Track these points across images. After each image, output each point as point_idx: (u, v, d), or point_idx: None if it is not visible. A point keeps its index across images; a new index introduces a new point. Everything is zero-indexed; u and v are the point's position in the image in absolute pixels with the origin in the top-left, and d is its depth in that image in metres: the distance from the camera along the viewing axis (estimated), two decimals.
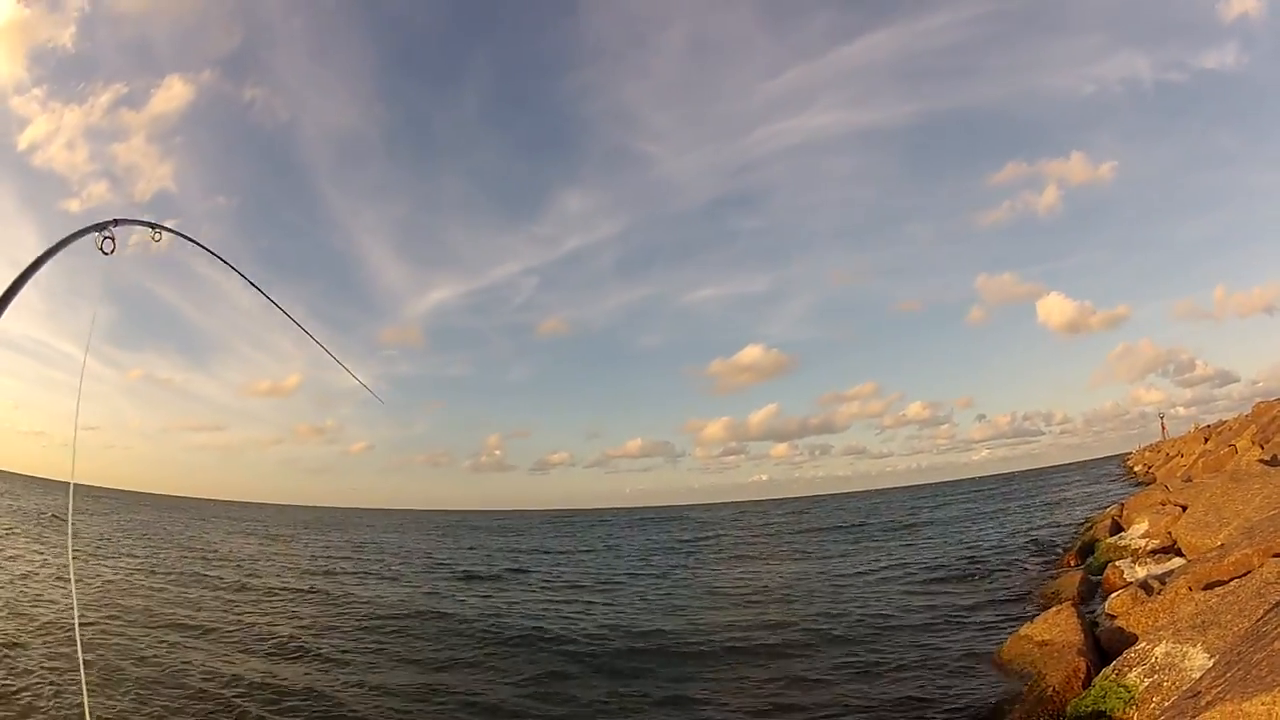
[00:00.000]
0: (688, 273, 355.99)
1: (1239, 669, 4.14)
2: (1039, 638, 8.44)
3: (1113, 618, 8.69)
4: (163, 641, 12.01)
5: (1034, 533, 24.03)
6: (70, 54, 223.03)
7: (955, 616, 12.46)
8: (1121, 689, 6.12)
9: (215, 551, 30.68)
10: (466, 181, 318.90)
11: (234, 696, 9.21)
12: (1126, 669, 6.35)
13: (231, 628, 13.46)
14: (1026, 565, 17.08)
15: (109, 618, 13.49)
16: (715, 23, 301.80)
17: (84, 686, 4.12)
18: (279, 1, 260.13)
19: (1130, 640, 7.30)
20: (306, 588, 19.48)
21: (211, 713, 8.68)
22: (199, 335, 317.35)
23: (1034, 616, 9.37)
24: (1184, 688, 5.20)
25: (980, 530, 28.69)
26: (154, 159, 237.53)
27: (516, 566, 27.01)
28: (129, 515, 58.27)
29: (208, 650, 11.63)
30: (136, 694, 9.05)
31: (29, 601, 14.19)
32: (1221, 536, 10.24)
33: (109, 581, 18.23)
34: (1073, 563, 15.65)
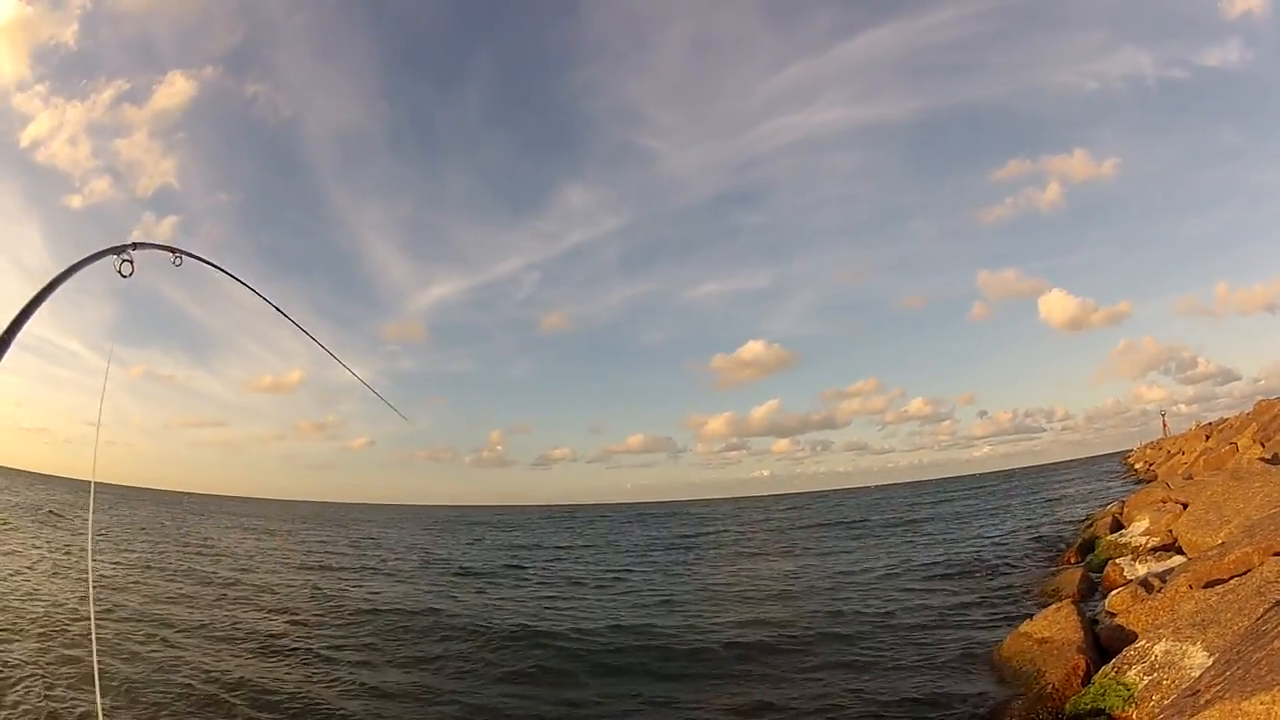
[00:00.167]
0: (690, 268, 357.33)
1: (1239, 667, 4.10)
2: (1039, 635, 8.40)
3: (1113, 615, 8.66)
4: (153, 637, 11.94)
5: (1034, 530, 23.98)
6: (73, 51, 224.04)
7: (955, 613, 12.42)
8: (1121, 687, 6.09)
9: (212, 547, 30.62)
10: (469, 178, 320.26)
11: (223, 694, 9.14)
12: (1126, 667, 6.31)
13: (223, 624, 13.35)
14: (1027, 562, 17.04)
15: (102, 613, 13.42)
16: (718, 19, 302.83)
17: (97, 686, 4.08)
18: None
19: (1130, 638, 7.26)
20: (301, 584, 19.45)
21: (200, 709, 8.62)
22: (201, 332, 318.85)
23: (1034, 614, 9.30)
24: (1183, 686, 5.17)
25: (981, 527, 28.67)
26: (156, 155, 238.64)
27: (514, 562, 26.96)
28: (128, 510, 58.39)
29: (198, 647, 11.55)
30: (125, 691, 8.98)
31: (21, 597, 14.18)
32: (1222, 535, 10.20)
33: (103, 576, 18.20)
34: (1073, 560, 15.62)
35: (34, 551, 21.37)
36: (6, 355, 2.73)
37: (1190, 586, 7.78)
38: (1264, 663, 3.87)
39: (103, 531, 33.18)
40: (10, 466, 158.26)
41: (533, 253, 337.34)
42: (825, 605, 14.21)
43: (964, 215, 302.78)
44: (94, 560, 20.99)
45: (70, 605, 13.58)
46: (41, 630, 11.55)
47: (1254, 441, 23.84)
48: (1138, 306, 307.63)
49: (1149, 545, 12.85)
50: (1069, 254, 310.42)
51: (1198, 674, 5.16)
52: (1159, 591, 8.39)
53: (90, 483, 4.02)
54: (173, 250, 4.37)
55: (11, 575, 16.53)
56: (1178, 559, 11.05)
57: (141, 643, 11.52)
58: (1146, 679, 5.96)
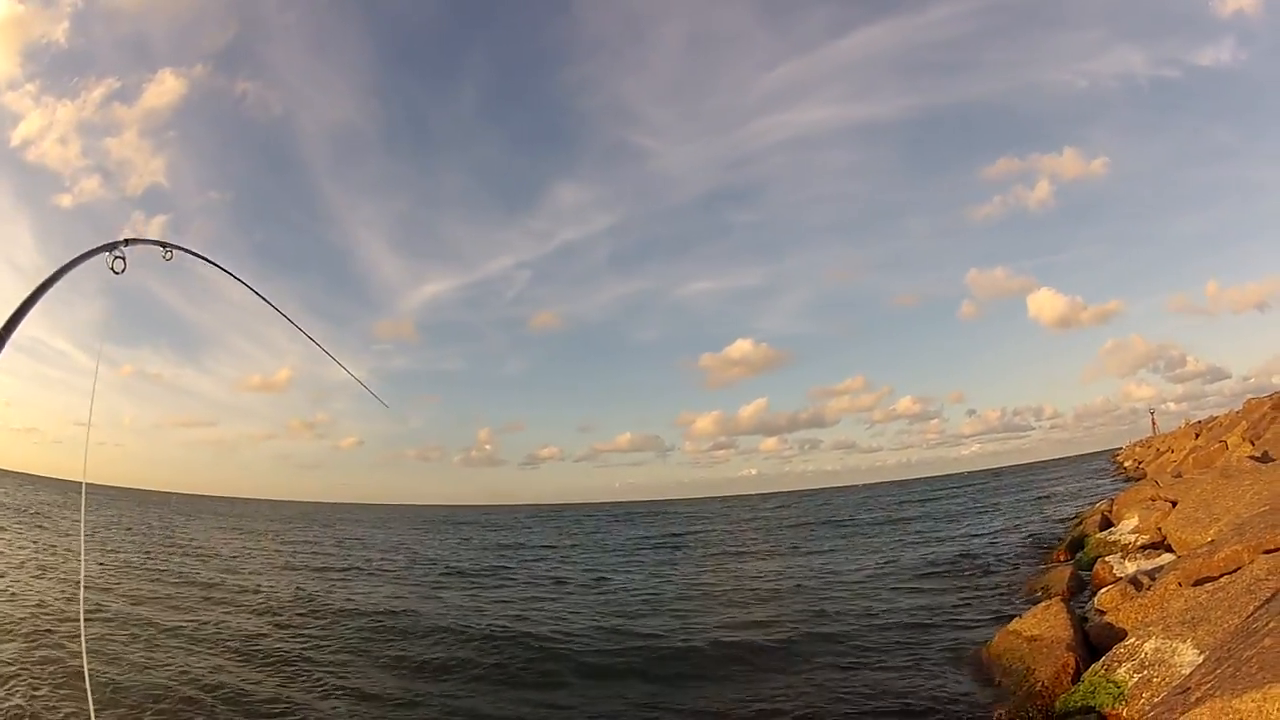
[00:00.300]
0: (682, 266, 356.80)
1: (1229, 665, 4.11)
2: (1028, 633, 8.41)
3: (1102, 613, 8.68)
4: (136, 638, 11.82)
5: (1023, 528, 24.07)
6: (63, 49, 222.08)
7: (944, 612, 12.43)
8: (1111, 684, 6.10)
9: (198, 547, 30.44)
10: (462, 175, 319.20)
11: (203, 695, 9.06)
12: (1116, 664, 6.33)
13: (206, 626, 13.20)
14: (1016, 560, 17.08)
15: (87, 613, 13.27)
16: (712, 17, 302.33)
17: (88, 686, 4.04)
18: None
19: (1120, 636, 7.28)
20: (285, 585, 19.28)
21: (180, 711, 8.54)
22: (191, 330, 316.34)
23: (1023, 612, 9.32)
24: (1174, 684, 5.18)
25: (969, 525, 28.78)
26: (146, 154, 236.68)
27: (500, 562, 26.87)
28: (116, 511, 57.89)
29: (180, 648, 11.43)
30: (108, 693, 8.87)
31: (6, 598, 14.07)
32: (1212, 533, 10.24)
33: (88, 577, 17.95)
34: (1062, 558, 15.67)
35: (20, 553, 21.22)
36: (1, 355, 2.70)
37: (1180, 584, 7.80)
38: (1255, 660, 3.88)
39: (89, 533, 32.89)
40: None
41: (524, 250, 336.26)
42: (813, 605, 14.18)
43: (955, 213, 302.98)
44: (77, 561, 20.84)
45: (56, 606, 13.47)
46: (27, 631, 11.46)
47: (1243, 439, 23.97)
48: (1128, 305, 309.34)
49: (1138, 543, 12.91)
50: (1059, 252, 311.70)
51: (1188, 671, 5.17)
52: (1149, 589, 8.42)
53: (82, 484, 3.98)
54: (164, 245, 4.38)
55: None
56: (1167, 557, 11.10)
57: (124, 644, 11.41)
58: (1136, 676, 5.98)
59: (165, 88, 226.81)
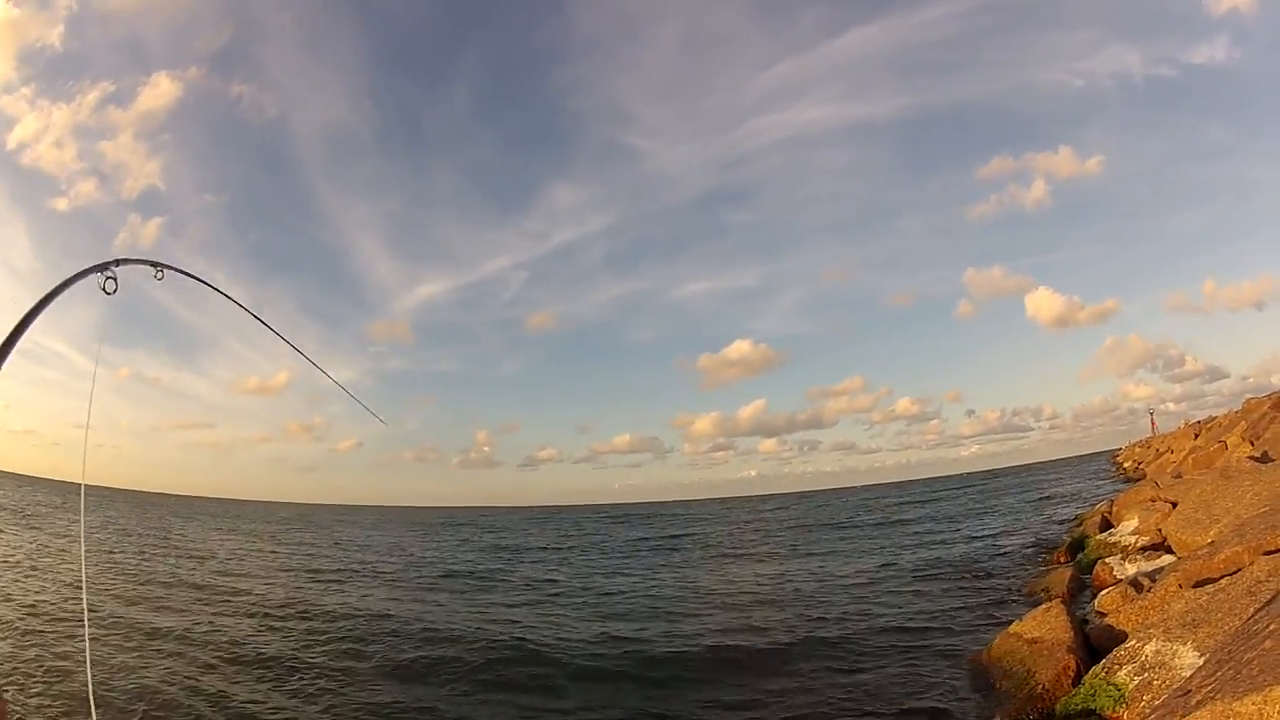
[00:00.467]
0: (678, 267, 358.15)
1: (1230, 668, 4.08)
2: (1028, 635, 8.38)
3: (1103, 615, 8.66)
4: (127, 641, 11.74)
5: (1023, 529, 24.05)
6: (59, 53, 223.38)
7: (943, 614, 12.38)
8: (1111, 687, 6.08)
9: (193, 549, 30.40)
10: (457, 176, 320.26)
11: (189, 701, 8.99)
12: (1116, 667, 6.30)
13: (196, 628, 13.11)
14: (1015, 562, 17.04)
15: (77, 615, 13.05)
16: (706, 17, 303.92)
17: (90, 685, 4.03)
18: None
19: (1120, 638, 7.25)
20: (279, 588, 19.19)
21: (164, 715, 8.48)
22: (187, 333, 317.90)
23: (1023, 614, 9.29)
24: (1174, 686, 5.15)
25: (969, 527, 28.72)
26: (142, 157, 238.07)
27: (496, 565, 26.72)
28: (111, 512, 57.93)
29: (168, 651, 11.36)
30: (80, 696, 8.72)
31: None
32: (1212, 534, 10.20)
33: (80, 578, 17.84)
34: (1062, 559, 15.64)
35: (16, 553, 21.21)
36: None
37: (1180, 586, 7.77)
38: (1256, 663, 3.85)
39: (77, 537, 32.75)
40: None
41: (520, 251, 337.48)
42: (811, 607, 14.14)
43: (951, 213, 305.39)
44: (77, 562, 20.78)
45: (48, 607, 13.44)
46: (22, 631, 11.44)
47: (1243, 440, 23.93)
48: (1125, 304, 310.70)
49: (1138, 544, 12.88)
50: (1055, 251, 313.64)
51: (1189, 674, 5.14)
52: (1149, 591, 8.40)
53: (81, 486, 3.96)
54: (155, 264, 4.36)
55: None
56: (1167, 558, 11.07)
57: (116, 646, 11.33)
58: (1137, 679, 5.95)
59: (160, 90, 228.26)
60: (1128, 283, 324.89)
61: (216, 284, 5.15)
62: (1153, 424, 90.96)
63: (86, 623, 4.09)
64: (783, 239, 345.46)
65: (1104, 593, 9.53)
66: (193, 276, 4.99)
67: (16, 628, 11.74)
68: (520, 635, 12.79)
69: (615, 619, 14.44)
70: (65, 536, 29.22)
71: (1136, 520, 14.47)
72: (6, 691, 8.55)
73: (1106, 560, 12.43)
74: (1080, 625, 8.41)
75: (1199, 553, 8.85)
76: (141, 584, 18.41)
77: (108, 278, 3.77)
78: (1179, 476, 21.42)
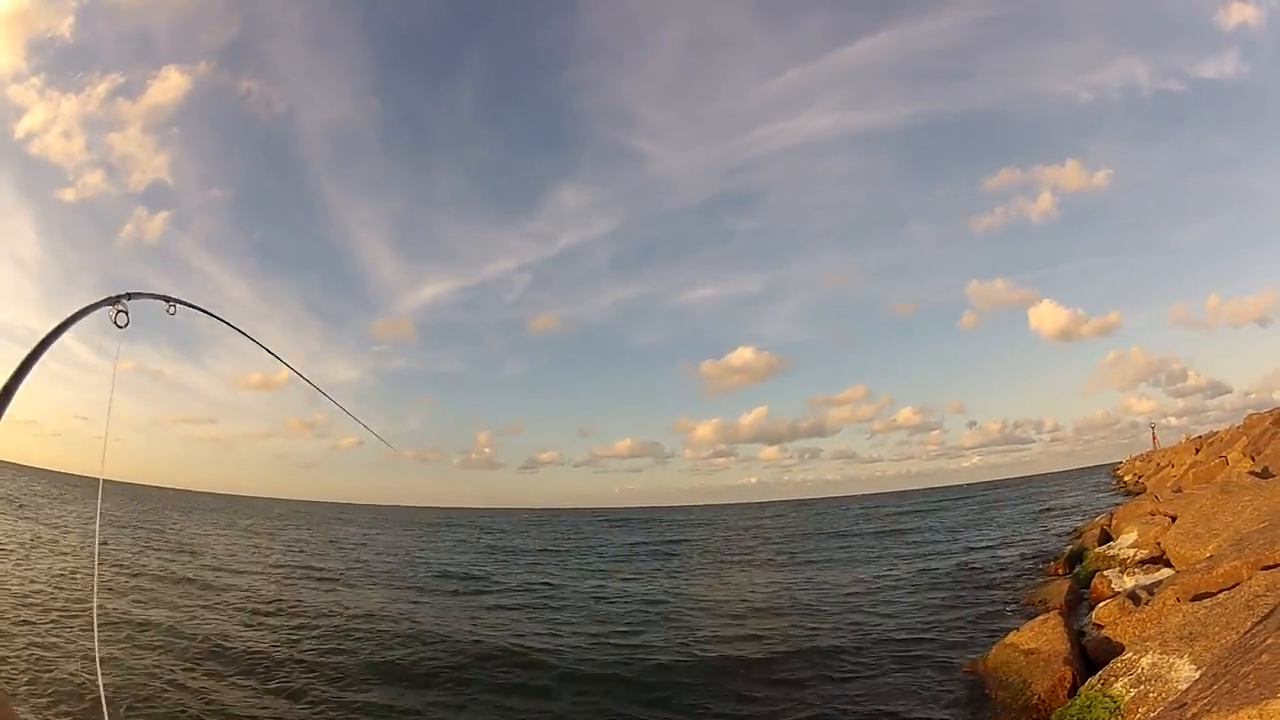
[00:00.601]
0: (682, 272, 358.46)
1: (1226, 681, 4.06)
2: (1025, 646, 8.35)
3: (1100, 627, 8.62)
4: (115, 636, 11.66)
5: (1022, 541, 24.03)
6: (68, 44, 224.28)
7: (941, 624, 12.36)
8: (1107, 699, 6.04)
9: (190, 544, 30.39)
10: (461, 177, 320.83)
11: (176, 695, 8.97)
12: (1113, 679, 6.26)
13: (178, 627, 12.93)
14: (1014, 573, 16.98)
15: (70, 610, 13.03)
16: (713, 21, 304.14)
17: (100, 681, 4.03)
18: None
19: (1117, 650, 7.22)
20: (273, 586, 19.12)
21: (150, 713, 8.40)
22: (190, 327, 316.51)
23: (1020, 625, 9.27)
24: (1170, 699, 5.13)
25: (968, 537, 28.69)
26: (149, 149, 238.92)
27: (494, 568, 26.61)
28: (110, 504, 57.53)
29: (149, 647, 11.30)
30: (69, 688, 8.74)
31: None
32: (1211, 548, 10.18)
33: (73, 574, 17.57)
34: (1060, 571, 15.60)
35: (9, 541, 21.30)
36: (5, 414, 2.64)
37: (1178, 599, 7.74)
38: (1252, 676, 3.83)
39: (83, 527, 32.79)
40: None
41: (524, 253, 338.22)
42: (809, 616, 14.11)
43: (956, 223, 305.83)
44: (67, 555, 20.77)
45: (40, 598, 13.46)
46: (12, 620, 11.47)
47: (1244, 455, 23.91)
48: (1128, 317, 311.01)
49: (1137, 557, 12.84)
50: (1060, 264, 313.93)
51: (1185, 687, 5.12)
52: (1147, 604, 8.36)
53: (99, 481, 3.95)
54: (167, 299, 4.34)
55: None
56: (1166, 572, 11.03)
57: (102, 639, 11.22)
58: (1133, 691, 5.91)
59: (169, 84, 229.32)
60: (1131, 296, 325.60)
61: (226, 315, 5.10)
62: (1154, 438, 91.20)
63: (95, 623, 4.05)
64: (787, 246, 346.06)
65: (1102, 605, 9.48)
66: (205, 311, 4.96)
67: (9, 617, 11.74)
68: (515, 638, 12.76)
69: (611, 625, 14.36)
70: (59, 527, 29.30)
71: (1136, 533, 14.43)
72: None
73: (1105, 573, 12.38)
74: (1077, 637, 8.38)
75: (1197, 567, 8.82)
76: (135, 576, 18.41)
77: (119, 311, 3.75)
78: (1179, 491, 21.38)
